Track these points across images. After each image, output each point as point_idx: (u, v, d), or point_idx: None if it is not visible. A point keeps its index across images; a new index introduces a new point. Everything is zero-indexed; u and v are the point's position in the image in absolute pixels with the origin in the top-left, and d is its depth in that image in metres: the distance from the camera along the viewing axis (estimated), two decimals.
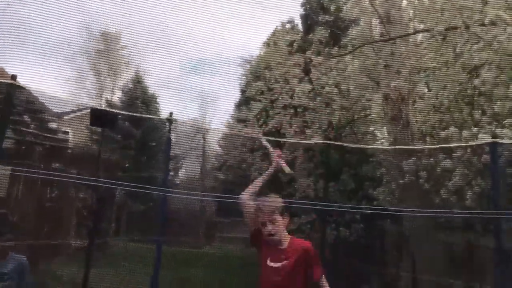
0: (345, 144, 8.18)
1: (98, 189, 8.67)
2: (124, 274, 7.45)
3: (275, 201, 3.27)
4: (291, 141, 9.59)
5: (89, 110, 5.59)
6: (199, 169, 14.16)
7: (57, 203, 9.17)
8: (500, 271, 4.97)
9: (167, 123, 5.66)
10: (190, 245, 11.63)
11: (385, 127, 8.54)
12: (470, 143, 5.79)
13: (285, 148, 11.32)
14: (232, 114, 15.30)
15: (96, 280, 6.71)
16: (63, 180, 9.37)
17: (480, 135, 5.88)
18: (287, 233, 3.22)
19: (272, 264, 3.13)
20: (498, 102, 5.86)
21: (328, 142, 7.86)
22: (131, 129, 15.12)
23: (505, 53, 5.67)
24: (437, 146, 6.36)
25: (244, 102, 13.27)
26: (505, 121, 5.89)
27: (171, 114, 5.64)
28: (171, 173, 13.38)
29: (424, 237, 7.43)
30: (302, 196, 9.81)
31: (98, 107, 6.20)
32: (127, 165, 13.39)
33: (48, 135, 8.83)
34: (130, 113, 12.08)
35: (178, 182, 14.22)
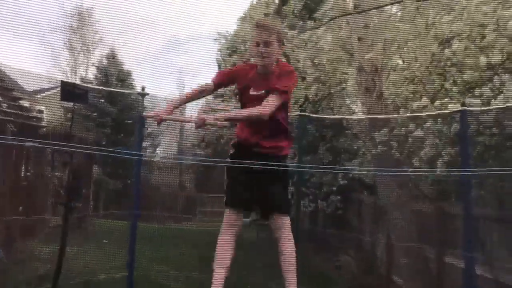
0: (322, 116, 8.24)
1: (75, 166, 8.60)
2: (101, 251, 7.47)
3: (276, 24, 3.03)
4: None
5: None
6: (176, 147, 14.10)
7: (32, 181, 9.06)
8: (468, 234, 5.15)
9: (141, 98, 5.61)
10: (169, 221, 11.68)
11: (359, 100, 8.63)
12: (441, 111, 5.89)
13: None
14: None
15: (72, 257, 6.72)
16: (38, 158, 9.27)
17: (450, 105, 6.00)
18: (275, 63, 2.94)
19: (254, 92, 2.92)
20: (467, 72, 5.96)
21: (306, 114, 7.88)
22: (106, 106, 14.92)
23: (475, 24, 5.74)
24: (409, 115, 6.46)
25: None
26: (474, 91, 6.01)
27: (143, 88, 5.58)
28: (148, 151, 13.32)
29: (398, 207, 7.62)
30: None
31: (69, 81, 6.09)
32: (103, 143, 13.25)
33: (21, 112, 8.66)
34: (102, 88, 11.90)
35: (156, 159, 14.16)
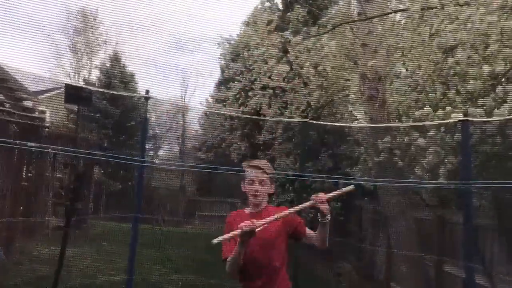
0: (323, 123, 8.24)
1: (77, 168, 8.61)
2: (101, 252, 7.47)
3: (269, 166, 3.12)
4: (273, 119, 9.63)
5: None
6: (178, 149, 14.11)
7: (34, 182, 9.06)
8: (468, 244, 5.14)
9: (144, 100, 5.62)
10: (169, 224, 11.67)
11: (362, 107, 8.62)
12: (443, 121, 5.89)
13: (264, 129, 11.42)
14: (212, 95, 15.25)
15: (73, 259, 6.72)
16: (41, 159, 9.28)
17: (453, 114, 6.00)
18: (266, 203, 3.05)
19: None
20: (471, 81, 5.96)
21: (308, 120, 7.88)
22: (109, 108, 14.93)
23: (478, 33, 5.75)
24: (411, 124, 6.46)
25: (224, 82, 13.23)
26: (477, 100, 6.01)
27: (147, 91, 5.59)
28: (150, 153, 13.34)
29: (399, 215, 7.60)
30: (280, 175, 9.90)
31: (73, 84, 6.11)
32: (105, 144, 13.27)
33: (23, 113, 8.66)
34: (106, 90, 11.92)
35: (157, 162, 14.18)
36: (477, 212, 6.00)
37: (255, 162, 3.13)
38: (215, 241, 2.71)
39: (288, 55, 8.63)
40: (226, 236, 2.78)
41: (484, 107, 5.91)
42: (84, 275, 6.71)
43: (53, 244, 6.84)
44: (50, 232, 8.88)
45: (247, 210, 3.09)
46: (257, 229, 2.69)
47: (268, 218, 2.80)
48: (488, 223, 7.03)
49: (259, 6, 11.32)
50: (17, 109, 8.54)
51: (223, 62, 13.38)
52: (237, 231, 2.69)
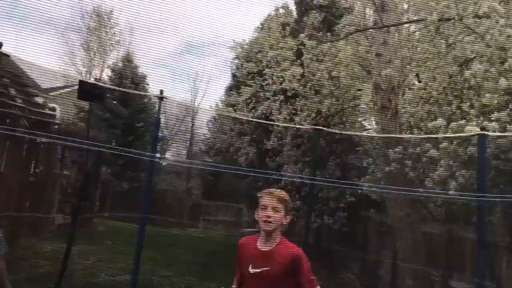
0: (335, 131, 8.17)
1: (84, 166, 8.60)
2: (106, 251, 7.44)
3: (285, 195, 2.95)
4: (283, 125, 9.59)
5: (77, 86, 5.51)
6: (186, 152, 14.12)
7: (41, 178, 9.06)
8: (481, 260, 5.05)
9: (157, 100, 5.59)
10: (174, 226, 11.64)
11: (373, 118, 8.57)
12: (459, 134, 5.82)
13: (273, 135, 11.38)
14: (222, 99, 15.26)
15: (77, 257, 6.68)
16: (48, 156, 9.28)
17: (467, 127, 5.93)
18: (280, 235, 2.87)
19: (253, 270, 2.80)
20: (486, 95, 5.89)
21: (320, 128, 7.81)
22: (119, 109, 14.98)
23: (497, 46, 5.69)
24: (426, 136, 6.39)
25: (235, 86, 13.23)
26: (492, 115, 5.94)
27: (161, 91, 5.56)
28: (158, 155, 13.31)
29: (406, 227, 7.52)
30: (288, 182, 9.86)
31: (87, 81, 6.11)
32: (113, 144, 13.29)
33: (34, 109, 8.68)
34: (119, 88, 11.94)
35: (165, 164, 14.18)
36: (490, 227, 5.91)
37: (271, 190, 2.97)
38: None
39: (302, 58, 8.59)
40: None
41: (499, 122, 5.85)
42: (88, 273, 6.67)
43: (58, 240, 6.83)
44: (55, 228, 8.87)
45: (260, 238, 2.90)
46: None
47: None
48: (498, 240, 6.93)
49: (273, 13, 11.33)
50: (28, 105, 8.56)
51: (234, 66, 13.39)
52: None
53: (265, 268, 2.72)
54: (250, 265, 2.79)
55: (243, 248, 2.89)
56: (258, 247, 2.83)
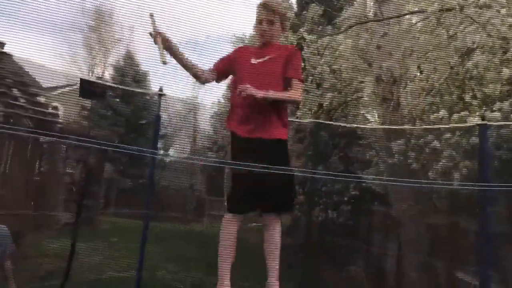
0: (337, 124, 8.17)
1: (88, 164, 8.63)
2: (111, 248, 7.46)
3: (281, 5, 2.85)
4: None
5: (78, 85, 5.52)
6: (189, 149, 14.09)
7: (45, 177, 9.10)
8: (483, 252, 5.05)
9: (157, 97, 5.60)
10: (178, 222, 11.66)
11: (375, 110, 8.56)
12: (460, 124, 5.80)
13: None
14: (224, 94, 15.22)
15: (83, 254, 6.70)
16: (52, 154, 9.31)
17: (469, 118, 5.91)
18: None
19: (256, 61, 2.76)
20: (489, 85, 5.87)
21: (322, 121, 7.81)
22: (121, 106, 14.97)
23: (498, 36, 5.66)
24: (428, 127, 6.38)
25: None
26: (494, 105, 5.92)
27: (161, 88, 5.56)
28: (160, 152, 13.32)
29: (409, 219, 7.52)
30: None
31: (88, 79, 6.11)
32: (116, 142, 13.31)
33: (37, 108, 8.71)
34: (120, 86, 11.94)
35: (167, 161, 14.19)
36: (494, 218, 5.89)
37: (266, 1, 2.80)
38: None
39: (303, 52, 8.56)
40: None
41: (501, 112, 5.82)
42: (94, 270, 6.70)
43: (63, 239, 6.85)
44: (60, 227, 8.90)
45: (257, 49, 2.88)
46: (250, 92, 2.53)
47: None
48: (501, 230, 6.91)
49: None
50: (31, 105, 8.59)
51: None
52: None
53: (265, 58, 2.72)
54: (252, 58, 2.78)
55: (235, 53, 2.90)
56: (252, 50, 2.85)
